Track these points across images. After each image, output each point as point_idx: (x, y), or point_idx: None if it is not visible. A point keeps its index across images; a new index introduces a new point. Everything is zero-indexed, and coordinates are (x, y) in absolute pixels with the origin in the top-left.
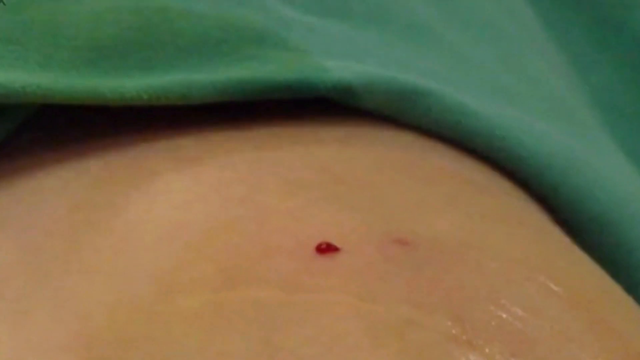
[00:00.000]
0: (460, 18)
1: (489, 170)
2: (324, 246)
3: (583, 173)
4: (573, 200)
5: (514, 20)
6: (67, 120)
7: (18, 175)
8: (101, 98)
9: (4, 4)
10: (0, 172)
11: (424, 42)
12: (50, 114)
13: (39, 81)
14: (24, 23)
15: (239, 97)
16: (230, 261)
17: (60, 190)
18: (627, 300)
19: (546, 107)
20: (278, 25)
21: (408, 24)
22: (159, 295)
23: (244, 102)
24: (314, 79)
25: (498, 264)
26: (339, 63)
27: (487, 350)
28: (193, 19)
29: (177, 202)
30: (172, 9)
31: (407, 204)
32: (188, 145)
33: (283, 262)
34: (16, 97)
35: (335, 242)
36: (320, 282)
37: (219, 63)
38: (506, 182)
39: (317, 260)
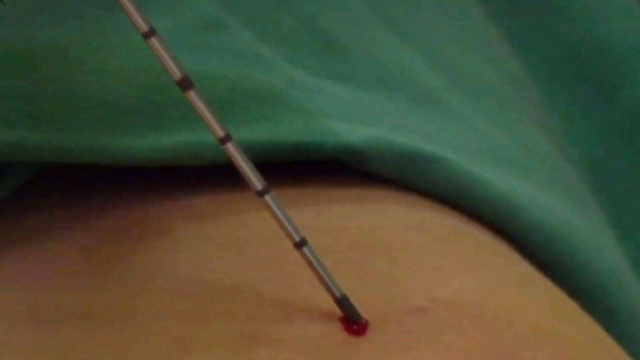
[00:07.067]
0: (463, 85)
1: (494, 235)
2: (355, 328)
3: (582, 244)
4: (575, 270)
5: (513, 85)
6: (79, 175)
7: (29, 229)
8: (113, 158)
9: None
10: (11, 227)
11: (430, 109)
12: (62, 167)
13: (51, 140)
14: (36, 81)
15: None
16: (250, 322)
17: (70, 244)
18: None
19: (543, 174)
20: (288, 87)
21: (415, 90)
22: (172, 352)
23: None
24: (323, 141)
25: (514, 327)
26: (349, 126)
27: None
28: (204, 79)
29: (193, 261)
30: None
31: (423, 266)
32: (200, 203)
33: (306, 328)
34: (29, 155)
35: None
36: (343, 351)
37: (229, 124)
38: (510, 247)
39: (340, 330)
